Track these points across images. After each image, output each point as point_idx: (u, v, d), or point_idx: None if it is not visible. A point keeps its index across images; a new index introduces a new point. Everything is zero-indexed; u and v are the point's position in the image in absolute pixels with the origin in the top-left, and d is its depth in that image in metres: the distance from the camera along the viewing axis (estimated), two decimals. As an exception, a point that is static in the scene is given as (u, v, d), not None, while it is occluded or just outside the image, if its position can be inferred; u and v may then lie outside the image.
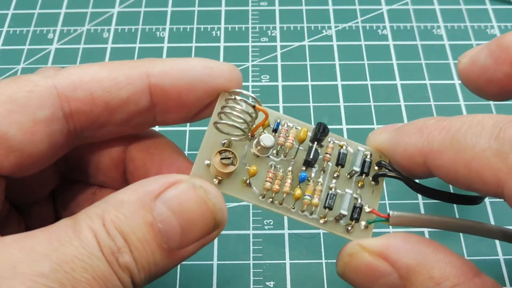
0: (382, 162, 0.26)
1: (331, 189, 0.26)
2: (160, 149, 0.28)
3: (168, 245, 0.21)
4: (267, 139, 0.25)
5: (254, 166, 0.25)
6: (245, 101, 0.24)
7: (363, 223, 0.26)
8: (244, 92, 0.25)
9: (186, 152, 0.31)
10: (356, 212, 0.25)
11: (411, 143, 0.24)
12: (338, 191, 0.26)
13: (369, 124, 0.42)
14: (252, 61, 0.46)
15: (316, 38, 0.47)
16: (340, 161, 0.26)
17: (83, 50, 0.47)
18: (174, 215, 0.21)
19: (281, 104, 0.43)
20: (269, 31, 0.48)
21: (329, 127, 0.26)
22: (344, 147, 0.26)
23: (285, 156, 0.26)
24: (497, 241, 0.36)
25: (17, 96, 0.22)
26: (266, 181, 0.25)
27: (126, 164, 0.28)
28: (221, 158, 0.24)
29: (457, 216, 0.37)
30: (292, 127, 0.26)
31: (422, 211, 0.37)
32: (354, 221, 0.25)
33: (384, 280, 0.23)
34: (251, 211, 0.37)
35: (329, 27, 0.48)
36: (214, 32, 0.48)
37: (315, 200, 0.25)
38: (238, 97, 0.24)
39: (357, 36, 0.48)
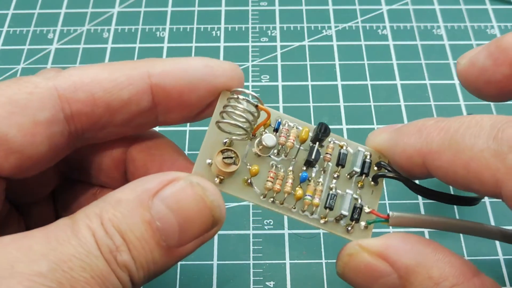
0: (382, 163, 0.26)
1: (331, 189, 0.26)
2: (161, 150, 0.28)
3: (166, 243, 0.21)
4: (269, 139, 0.25)
5: (255, 165, 0.25)
6: (248, 100, 0.24)
7: (362, 223, 0.26)
8: (246, 91, 0.25)
9: (186, 152, 0.31)
10: (356, 213, 0.25)
11: (410, 143, 0.24)
12: (339, 191, 0.26)
13: (369, 124, 0.42)
14: (252, 61, 0.46)
15: (316, 38, 0.47)
16: (341, 162, 0.26)
17: (83, 50, 0.47)
18: (172, 212, 0.21)
19: (281, 104, 0.43)
20: (269, 31, 0.48)
21: (329, 127, 0.26)
22: (344, 147, 0.26)
23: (286, 156, 0.26)
24: (497, 241, 0.36)
25: (18, 98, 0.22)
26: (267, 180, 0.25)
27: (127, 165, 0.28)
28: (223, 158, 0.24)
29: (457, 216, 0.37)
30: (293, 127, 0.26)
31: (422, 211, 0.37)
32: (354, 221, 0.26)
33: (384, 280, 0.23)
34: (251, 211, 0.37)
35: (329, 27, 0.48)
36: (214, 32, 0.48)
37: (316, 200, 0.25)
38: (240, 96, 0.24)
39: (357, 36, 0.48)
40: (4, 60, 0.46)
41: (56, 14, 0.49)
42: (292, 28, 0.48)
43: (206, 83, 0.25)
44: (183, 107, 0.25)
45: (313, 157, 0.25)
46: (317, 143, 0.25)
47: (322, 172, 0.26)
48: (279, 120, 0.26)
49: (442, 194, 0.26)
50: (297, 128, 0.26)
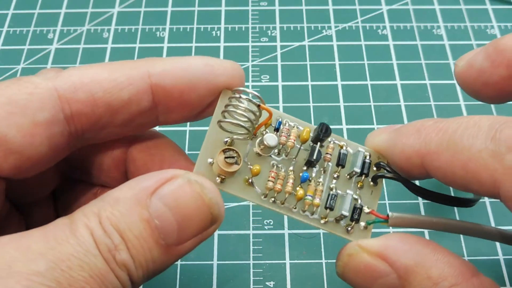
0: (381, 163, 0.26)
1: (331, 189, 0.26)
2: (161, 149, 0.28)
3: (165, 241, 0.21)
4: (271, 138, 0.25)
5: (257, 165, 0.25)
6: (250, 100, 0.24)
7: (362, 223, 0.26)
8: (248, 90, 0.24)
9: (186, 152, 0.31)
10: (356, 213, 0.25)
11: (408, 144, 0.24)
12: (339, 191, 0.26)
13: (369, 124, 0.42)
14: (252, 61, 0.46)
15: (316, 38, 0.47)
16: (341, 162, 0.26)
17: (83, 50, 0.47)
18: (170, 211, 0.21)
19: (281, 104, 0.43)
20: (269, 31, 0.48)
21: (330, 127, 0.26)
22: (344, 148, 0.26)
23: (286, 156, 0.26)
24: (496, 242, 0.36)
25: (17, 98, 0.22)
26: (268, 180, 0.25)
27: (127, 164, 0.28)
28: (225, 157, 0.24)
29: (457, 217, 0.37)
30: (294, 127, 0.26)
31: (422, 212, 0.37)
32: (354, 222, 0.26)
33: (383, 280, 0.23)
34: (251, 211, 0.37)
35: (329, 27, 0.48)
36: (214, 32, 0.48)
37: (317, 201, 0.25)
38: (242, 96, 0.24)
39: (357, 36, 0.48)
40: (4, 60, 0.46)
41: (56, 14, 0.49)
42: (292, 28, 0.48)
43: (206, 82, 0.25)
44: (183, 107, 0.25)
45: (314, 157, 0.25)
46: (318, 143, 0.25)
47: (322, 172, 0.26)
48: (280, 120, 0.26)
49: (439, 195, 0.26)
50: (297, 127, 0.26)
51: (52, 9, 0.50)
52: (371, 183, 0.26)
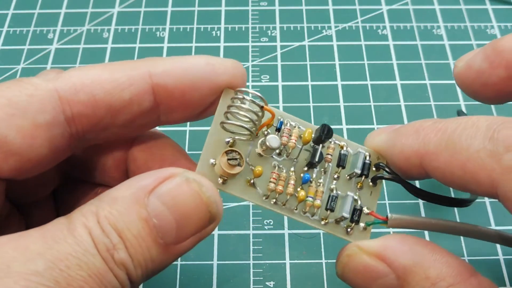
0: (380, 164, 0.26)
1: (332, 190, 0.26)
2: (162, 149, 0.28)
3: (164, 240, 0.21)
4: (273, 140, 0.25)
5: (259, 166, 0.25)
6: (253, 101, 0.24)
7: (362, 224, 0.26)
8: (251, 91, 0.24)
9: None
10: (356, 214, 0.26)
11: (407, 144, 0.24)
12: (339, 192, 0.26)
13: (369, 124, 0.42)
14: (252, 61, 0.46)
15: (316, 38, 0.47)
16: (341, 163, 0.26)
17: (83, 50, 0.47)
18: (168, 209, 0.21)
19: (281, 104, 0.43)
20: (269, 31, 0.48)
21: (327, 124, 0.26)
22: (344, 148, 0.26)
23: (287, 156, 0.26)
24: (496, 242, 0.36)
25: (18, 100, 0.22)
26: (270, 181, 0.25)
27: (128, 164, 0.28)
28: (228, 159, 0.24)
29: (457, 216, 0.37)
30: (295, 127, 0.26)
31: (422, 212, 0.37)
32: (354, 223, 0.26)
33: (382, 281, 0.23)
34: (251, 211, 0.37)
35: (329, 27, 0.48)
36: (214, 32, 0.48)
37: (318, 202, 0.25)
38: (246, 97, 0.24)
39: (357, 36, 0.48)
40: (4, 60, 0.46)
41: (56, 14, 0.49)
42: (292, 28, 0.48)
43: (208, 81, 0.24)
44: (185, 106, 0.25)
45: (316, 159, 0.25)
46: (320, 145, 0.25)
47: (323, 173, 0.26)
48: (281, 120, 0.26)
49: (436, 196, 0.26)
50: (299, 128, 0.26)
51: (52, 9, 0.50)
52: (371, 183, 0.26)
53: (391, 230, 0.35)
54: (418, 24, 0.48)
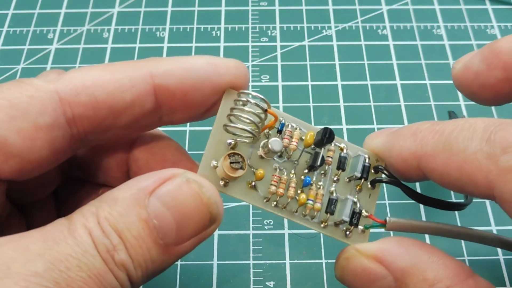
0: (379, 167, 0.26)
1: (331, 193, 0.26)
2: (164, 149, 0.28)
3: (164, 241, 0.21)
4: (276, 143, 0.24)
5: (261, 169, 0.25)
6: (257, 104, 0.24)
7: (360, 227, 0.26)
8: (254, 94, 0.24)
9: (186, 152, 0.31)
10: (355, 218, 0.26)
11: (405, 146, 0.24)
12: (339, 195, 0.26)
13: (369, 124, 0.42)
14: (252, 61, 0.46)
15: (316, 38, 0.47)
16: (341, 166, 0.26)
17: (83, 50, 0.47)
18: (168, 210, 0.21)
19: (281, 104, 0.43)
20: (269, 31, 0.48)
21: (329, 127, 0.26)
22: (344, 150, 0.26)
23: (288, 158, 0.26)
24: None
25: (18, 102, 0.22)
26: (271, 184, 0.25)
27: (130, 164, 0.28)
28: (231, 162, 0.24)
29: (457, 218, 0.37)
30: (296, 128, 0.26)
31: (422, 212, 0.37)
32: (353, 226, 0.26)
33: (380, 283, 0.23)
34: (251, 211, 0.37)
35: (329, 27, 0.48)
36: (214, 32, 0.48)
37: (318, 205, 0.25)
38: (250, 100, 0.24)
39: (357, 36, 0.48)
40: (4, 60, 0.46)
41: (56, 14, 0.49)
42: (292, 28, 0.48)
43: (210, 82, 0.24)
44: (187, 107, 0.25)
45: (318, 163, 0.25)
46: (322, 148, 0.25)
47: (323, 176, 0.26)
48: (283, 121, 0.26)
49: (432, 200, 0.26)
50: (300, 129, 0.26)
51: (52, 9, 0.50)
52: (369, 186, 0.26)
53: (391, 233, 0.35)
54: (418, 24, 0.48)
